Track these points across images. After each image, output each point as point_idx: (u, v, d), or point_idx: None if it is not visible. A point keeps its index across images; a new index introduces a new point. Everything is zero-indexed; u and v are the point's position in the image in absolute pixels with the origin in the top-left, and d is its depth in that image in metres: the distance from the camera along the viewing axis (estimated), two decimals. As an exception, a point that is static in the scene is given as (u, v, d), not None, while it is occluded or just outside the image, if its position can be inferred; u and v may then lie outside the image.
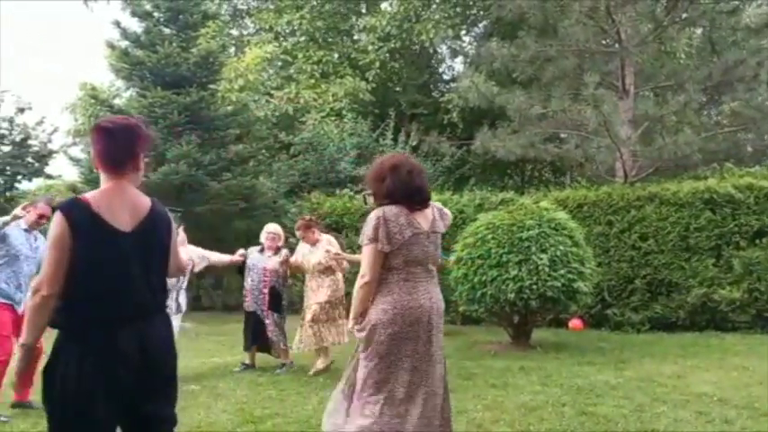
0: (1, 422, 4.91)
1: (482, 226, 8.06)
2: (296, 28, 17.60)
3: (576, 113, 11.80)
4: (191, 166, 10.96)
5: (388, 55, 17.16)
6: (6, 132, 15.75)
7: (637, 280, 9.82)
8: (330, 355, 6.73)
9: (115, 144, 2.60)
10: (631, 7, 11.81)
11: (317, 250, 6.74)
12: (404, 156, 3.69)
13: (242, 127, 13.24)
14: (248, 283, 6.97)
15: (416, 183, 3.40)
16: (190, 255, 6.42)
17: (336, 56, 17.78)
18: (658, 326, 9.51)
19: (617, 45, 12.12)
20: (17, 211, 5.05)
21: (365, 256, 3.33)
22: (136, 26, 12.57)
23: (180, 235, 5.86)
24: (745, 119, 11.97)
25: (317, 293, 6.69)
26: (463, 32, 19.67)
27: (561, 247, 7.70)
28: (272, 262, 6.94)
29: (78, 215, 2.47)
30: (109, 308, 2.47)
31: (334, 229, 11.89)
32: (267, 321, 6.85)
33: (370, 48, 17.15)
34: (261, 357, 7.08)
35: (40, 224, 5.23)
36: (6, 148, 15.68)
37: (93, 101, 14.31)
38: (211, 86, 12.58)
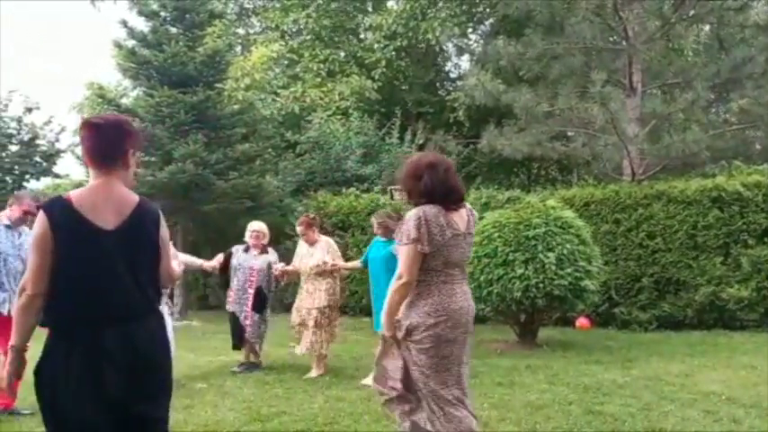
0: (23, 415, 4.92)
1: (488, 224, 8.04)
2: (302, 26, 17.61)
3: (583, 111, 11.76)
4: (197, 165, 10.98)
5: (394, 53, 17.14)
6: (14, 132, 15.82)
7: (644, 278, 9.78)
8: (325, 361, 6.73)
9: (104, 140, 2.57)
10: (639, 4, 11.77)
11: (316, 251, 6.68)
12: (439, 155, 3.56)
13: (248, 126, 13.25)
14: (234, 282, 6.89)
15: (453, 181, 3.33)
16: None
17: (342, 54, 17.77)
18: (666, 324, 9.48)
19: (624, 42, 12.08)
20: None
21: (404, 257, 3.21)
22: (143, 25, 12.62)
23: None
24: (754, 116, 11.89)
25: (313, 296, 6.60)
26: (469, 30, 19.63)
27: (568, 246, 7.68)
28: (258, 261, 6.87)
29: (59, 214, 2.45)
30: (93, 307, 2.44)
31: (341, 228, 11.91)
32: (247, 322, 6.77)
33: (376, 46, 17.14)
34: (265, 356, 7.09)
35: (24, 221, 5.16)
36: (14, 148, 15.74)
37: (100, 100, 14.35)
38: (218, 85, 12.59)
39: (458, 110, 16.33)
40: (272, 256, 7.01)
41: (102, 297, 2.45)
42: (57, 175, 15.97)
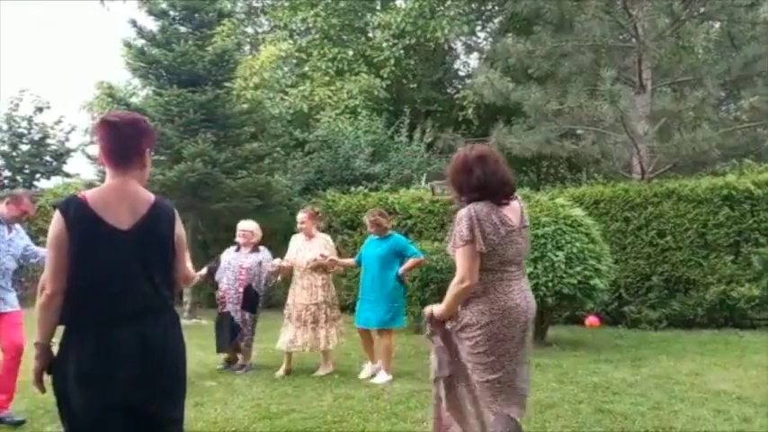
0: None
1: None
2: (310, 25, 17.61)
3: (593, 109, 11.69)
4: (206, 164, 11.01)
5: (402, 52, 17.12)
6: (25, 131, 15.96)
7: (654, 277, 9.74)
8: (332, 358, 6.71)
9: (121, 140, 2.57)
10: (648, 2, 11.71)
11: (312, 246, 6.64)
12: (487, 147, 3.40)
13: (257, 125, 13.26)
14: (224, 282, 6.81)
15: (505, 173, 3.20)
16: None
17: (351, 53, 17.76)
18: (676, 323, 9.44)
19: (634, 40, 12.01)
20: None
21: (462, 259, 3.07)
22: (152, 25, 12.66)
23: None
24: (765, 114, 11.79)
25: (309, 292, 6.54)
26: (478, 28, 19.61)
27: (578, 244, 7.66)
28: (248, 260, 6.82)
29: (74, 213, 2.45)
30: (108, 306, 2.45)
31: (350, 226, 11.91)
32: (239, 321, 6.72)
33: (384, 45, 17.11)
34: (269, 355, 7.10)
35: (20, 219, 5.11)
36: (25, 147, 15.90)
37: (109, 99, 14.40)
38: (227, 84, 12.61)
39: (467, 108, 16.32)
40: (263, 254, 6.95)
41: (116, 296, 2.46)
42: (67, 175, 16.10)
